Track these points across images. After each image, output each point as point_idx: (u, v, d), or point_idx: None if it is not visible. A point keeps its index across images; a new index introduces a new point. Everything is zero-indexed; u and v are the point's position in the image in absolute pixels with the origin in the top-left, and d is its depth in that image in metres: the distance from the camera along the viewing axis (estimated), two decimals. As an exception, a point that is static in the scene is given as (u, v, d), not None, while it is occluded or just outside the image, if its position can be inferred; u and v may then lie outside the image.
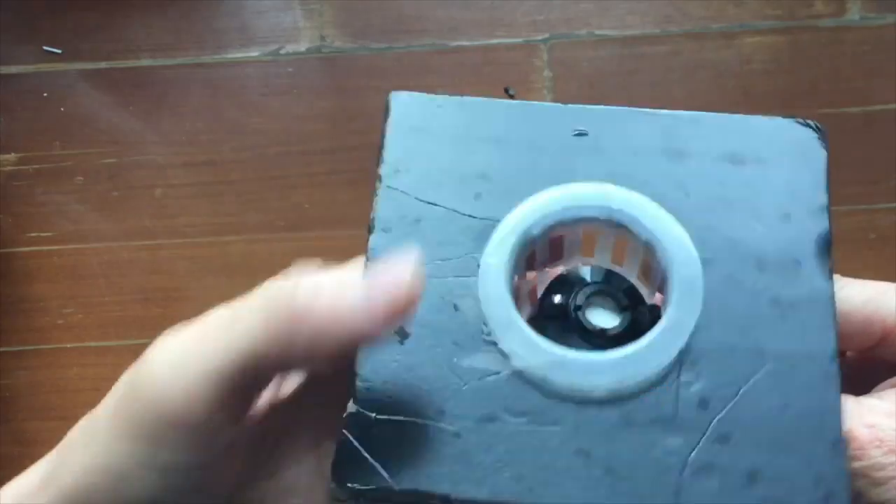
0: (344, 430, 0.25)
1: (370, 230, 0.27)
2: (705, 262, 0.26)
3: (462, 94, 0.29)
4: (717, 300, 0.26)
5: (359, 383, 0.25)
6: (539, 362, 0.25)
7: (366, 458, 0.25)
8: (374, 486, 0.24)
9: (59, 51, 0.84)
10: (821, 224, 0.27)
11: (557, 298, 0.29)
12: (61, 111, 0.83)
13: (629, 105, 0.28)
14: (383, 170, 0.27)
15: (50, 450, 0.25)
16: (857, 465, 0.24)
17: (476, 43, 0.82)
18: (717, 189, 0.27)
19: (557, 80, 0.81)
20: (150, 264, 0.82)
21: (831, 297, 0.26)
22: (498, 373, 0.25)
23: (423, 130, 0.28)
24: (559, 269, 0.30)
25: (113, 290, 0.82)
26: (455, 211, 0.27)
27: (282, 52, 0.83)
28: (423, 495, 0.24)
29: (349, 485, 0.24)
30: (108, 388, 0.24)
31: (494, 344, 0.26)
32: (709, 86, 0.81)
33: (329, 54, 0.82)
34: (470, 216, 0.27)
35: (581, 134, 0.28)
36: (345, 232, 0.79)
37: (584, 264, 0.30)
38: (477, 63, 0.82)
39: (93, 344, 0.81)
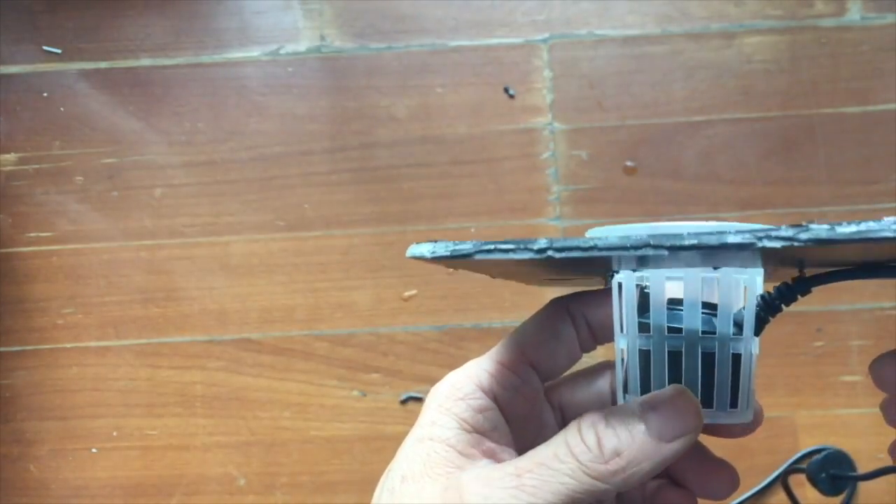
0: None
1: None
2: None
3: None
4: None
5: None
6: None
7: None
8: None
9: (58, 50, 0.84)
10: None
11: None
12: (61, 111, 0.83)
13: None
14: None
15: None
16: None
17: (476, 43, 0.82)
18: None
19: (557, 80, 0.81)
20: (149, 264, 0.82)
21: None
22: None
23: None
24: None
25: (112, 291, 0.82)
26: None
27: (282, 51, 0.83)
28: None
29: None
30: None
31: None
32: (709, 86, 0.81)
33: (329, 54, 0.82)
34: None
35: None
36: (344, 232, 0.79)
37: None
38: (477, 63, 0.82)
39: (92, 344, 0.81)
